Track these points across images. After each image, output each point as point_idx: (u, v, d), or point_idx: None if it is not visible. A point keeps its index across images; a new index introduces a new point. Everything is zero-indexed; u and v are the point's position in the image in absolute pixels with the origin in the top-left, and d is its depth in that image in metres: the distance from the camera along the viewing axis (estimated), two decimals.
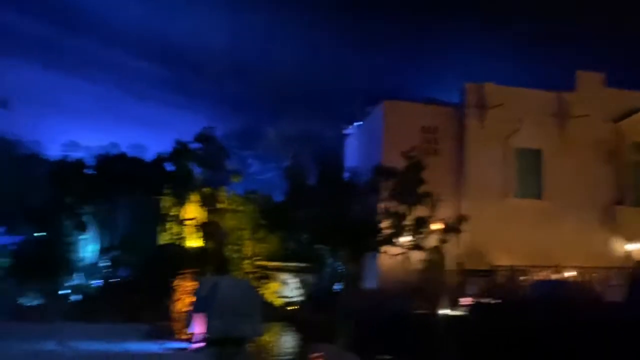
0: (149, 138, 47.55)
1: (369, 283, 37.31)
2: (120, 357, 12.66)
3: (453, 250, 36.69)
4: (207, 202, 35.07)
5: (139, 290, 28.42)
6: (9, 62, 63.23)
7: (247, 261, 39.88)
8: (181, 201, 33.51)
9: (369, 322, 19.57)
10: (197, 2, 73.61)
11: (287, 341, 22.22)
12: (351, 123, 48.69)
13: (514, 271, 29.66)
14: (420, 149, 37.16)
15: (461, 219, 34.45)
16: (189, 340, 14.41)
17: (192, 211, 34.78)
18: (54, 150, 41.58)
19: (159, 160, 34.21)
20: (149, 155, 38.80)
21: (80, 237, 33.49)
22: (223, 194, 38.64)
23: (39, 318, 22.43)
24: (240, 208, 39.25)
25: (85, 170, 34.49)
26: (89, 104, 67.34)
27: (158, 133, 51.33)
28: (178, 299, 30.70)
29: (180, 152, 33.19)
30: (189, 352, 13.01)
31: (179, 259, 29.71)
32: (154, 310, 27.39)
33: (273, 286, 40.22)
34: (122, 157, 36.78)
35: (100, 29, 71.09)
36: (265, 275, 40.19)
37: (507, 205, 36.86)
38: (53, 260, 29.67)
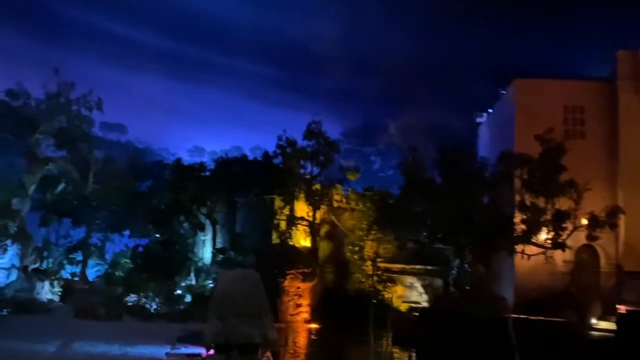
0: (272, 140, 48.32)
1: (506, 288, 33.94)
2: None
3: (608, 249, 32.15)
4: (320, 201, 34.43)
5: None
6: (137, 76, 69.48)
7: (368, 263, 38.68)
8: (291, 200, 33.27)
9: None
10: (311, 2, 74.29)
11: None
12: (484, 110, 45.47)
13: None
14: (562, 131, 33.18)
15: (616, 211, 29.79)
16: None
17: (303, 210, 34.39)
18: (181, 156, 44.01)
19: (267, 159, 34.30)
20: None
21: (199, 238, 34.97)
22: (339, 192, 37.88)
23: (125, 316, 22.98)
24: (359, 206, 38.17)
25: (203, 174, 35.81)
26: (215, 111, 71.58)
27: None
28: (289, 300, 30.52)
29: (284, 149, 32.95)
30: (197, 359, 11.59)
31: (289, 259, 29.39)
32: None
33: (398, 290, 38.52)
34: (239, 159, 37.67)
35: (219, 37, 75.23)
36: (389, 278, 38.64)
37: None
38: (173, 261, 31.07)
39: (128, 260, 32.02)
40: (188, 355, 11.74)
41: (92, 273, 33.24)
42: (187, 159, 42.15)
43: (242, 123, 66.47)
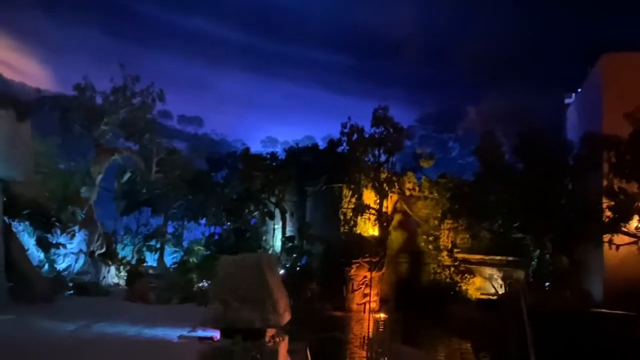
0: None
1: (594, 281, 31.57)
2: (126, 342, 12.00)
3: None
4: (389, 189, 33.72)
5: (315, 279, 28.64)
6: (214, 71, 71.70)
7: (444, 253, 37.52)
8: (357, 188, 32.87)
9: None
10: None
11: None
12: (573, 91, 42.61)
13: None
14: None
15: None
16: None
17: (372, 198, 33.81)
18: (255, 147, 44.97)
19: (333, 147, 34.07)
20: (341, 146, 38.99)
21: (270, 226, 35.57)
22: (412, 179, 36.93)
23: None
24: (434, 194, 37.06)
25: (274, 164, 36.26)
26: (289, 102, 72.45)
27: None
28: (356, 289, 30.24)
29: (350, 136, 32.51)
30: (208, 342, 11.34)
31: (356, 248, 29.08)
32: (328, 301, 27.47)
33: (476, 282, 37.11)
34: (309, 148, 37.79)
35: (293, 28, 75.73)
36: (467, 269, 37.27)
37: None
38: (244, 249, 31.64)
39: (202, 248, 33.18)
40: (200, 338, 11.73)
41: (169, 260, 34.83)
42: (260, 149, 42.89)
43: (316, 113, 66.94)
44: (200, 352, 9.89)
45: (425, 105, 62.83)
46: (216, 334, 10.72)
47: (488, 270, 37.47)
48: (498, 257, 36.78)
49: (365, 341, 18.76)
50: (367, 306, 28.22)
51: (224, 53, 73.29)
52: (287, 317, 10.52)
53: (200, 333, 11.94)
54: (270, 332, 10.19)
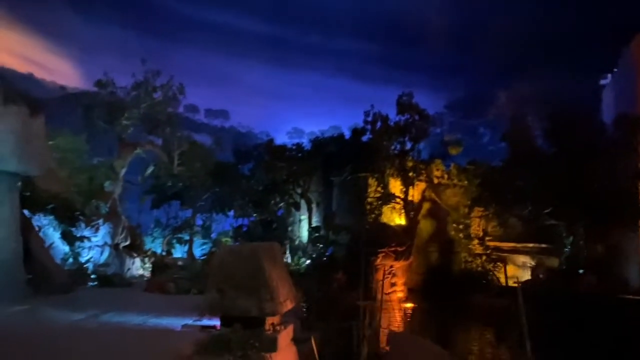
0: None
1: (630, 267, 30.42)
2: (127, 331, 11.97)
3: None
4: (416, 177, 33.12)
5: (341, 269, 28.37)
6: (240, 64, 71.80)
7: (475, 241, 36.74)
8: (381, 177, 32.39)
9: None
10: None
11: None
12: (609, 71, 41.06)
13: None
14: None
15: None
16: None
17: (398, 187, 33.25)
18: (281, 138, 44.92)
19: (357, 136, 33.60)
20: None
21: (297, 217, 35.49)
22: (440, 167, 36.21)
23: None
24: (464, 182, 36.27)
25: (299, 154, 36.08)
26: (315, 92, 72.03)
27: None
28: (383, 279, 29.86)
29: (374, 124, 31.98)
30: (209, 330, 11.17)
31: (381, 237, 28.71)
32: (354, 290, 27.13)
33: (509, 270, 36.27)
34: (334, 138, 37.46)
35: (319, 18, 75.09)
36: (499, 258, 36.45)
37: None
38: (271, 240, 31.64)
39: (230, 239, 33.37)
40: (203, 327, 11.69)
41: (198, 251, 35.20)
42: (286, 141, 42.76)
43: (342, 102, 66.61)
44: (199, 341, 9.83)
45: (454, 92, 61.80)
46: (218, 323, 10.67)
47: (521, 258, 36.61)
48: (531, 245, 35.86)
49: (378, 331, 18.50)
50: (395, 296, 27.89)
51: (249, 46, 73.56)
52: (288, 306, 10.38)
53: (205, 322, 11.90)
54: (271, 320, 10.07)
